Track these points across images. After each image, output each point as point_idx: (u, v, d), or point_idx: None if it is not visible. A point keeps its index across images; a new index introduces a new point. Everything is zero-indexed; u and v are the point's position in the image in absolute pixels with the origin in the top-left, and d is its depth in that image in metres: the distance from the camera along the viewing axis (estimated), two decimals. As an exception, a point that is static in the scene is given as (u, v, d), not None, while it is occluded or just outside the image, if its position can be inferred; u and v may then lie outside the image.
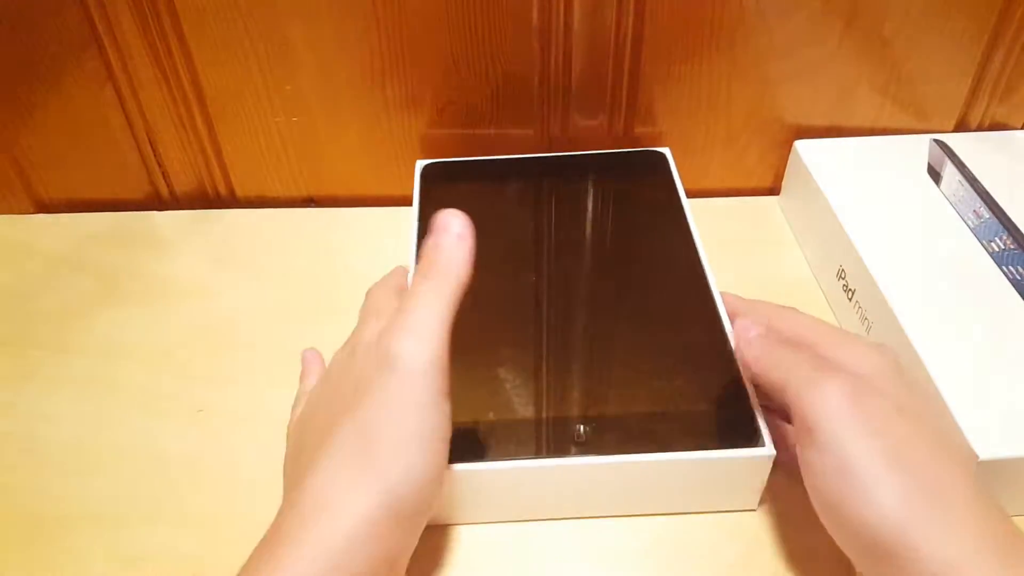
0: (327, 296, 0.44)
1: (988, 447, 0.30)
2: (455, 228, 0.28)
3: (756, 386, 0.32)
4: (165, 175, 0.50)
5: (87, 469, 0.36)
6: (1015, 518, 0.33)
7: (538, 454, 0.31)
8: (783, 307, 0.33)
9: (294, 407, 0.34)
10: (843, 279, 0.41)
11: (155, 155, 0.49)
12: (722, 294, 0.37)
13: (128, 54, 0.44)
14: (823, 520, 0.27)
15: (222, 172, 0.50)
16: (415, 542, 0.28)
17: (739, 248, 0.47)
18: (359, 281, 0.37)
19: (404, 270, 0.38)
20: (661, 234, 0.41)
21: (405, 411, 0.26)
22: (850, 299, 0.40)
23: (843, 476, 0.25)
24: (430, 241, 0.29)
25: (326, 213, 0.50)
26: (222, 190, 0.51)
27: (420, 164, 0.44)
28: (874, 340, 0.30)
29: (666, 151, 0.45)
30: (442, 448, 0.27)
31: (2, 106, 0.47)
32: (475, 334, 0.33)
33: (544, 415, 0.33)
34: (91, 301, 0.44)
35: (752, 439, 0.31)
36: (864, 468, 0.24)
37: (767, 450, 0.31)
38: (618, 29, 0.44)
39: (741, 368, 0.33)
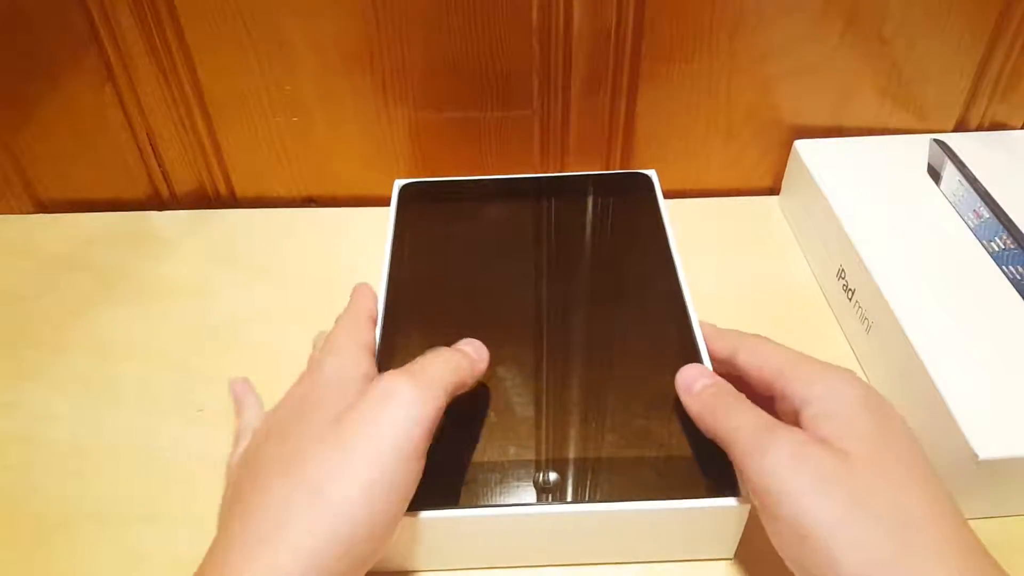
0: (327, 296, 0.44)
1: (988, 447, 0.30)
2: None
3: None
4: (165, 175, 0.50)
5: (87, 469, 0.36)
6: (1015, 518, 0.33)
7: (501, 502, 0.29)
8: (752, 337, 0.32)
9: (236, 443, 0.33)
10: (843, 279, 0.41)
11: (155, 155, 0.49)
12: (700, 324, 0.35)
13: (128, 54, 0.44)
14: None
15: (222, 172, 0.50)
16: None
17: (739, 248, 0.47)
18: (359, 281, 0.37)
19: (369, 298, 0.36)
20: (643, 264, 0.39)
21: (318, 414, 0.28)
22: (850, 299, 0.40)
23: (802, 540, 0.24)
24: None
25: (326, 213, 0.50)
26: (222, 190, 0.51)
27: (398, 185, 0.43)
28: (841, 368, 0.28)
29: (651, 174, 0.43)
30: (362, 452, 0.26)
31: (2, 106, 0.47)
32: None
33: (510, 458, 0.31)
34: (91, 301, 0.44)
35: (726, 488, 0.29)
36: (820, 528, 0.24)
37: (741, 501, 0.29)
38: (618, 29, 0.44)
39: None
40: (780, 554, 0.26)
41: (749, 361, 0.31)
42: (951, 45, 0.45)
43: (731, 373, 0.32)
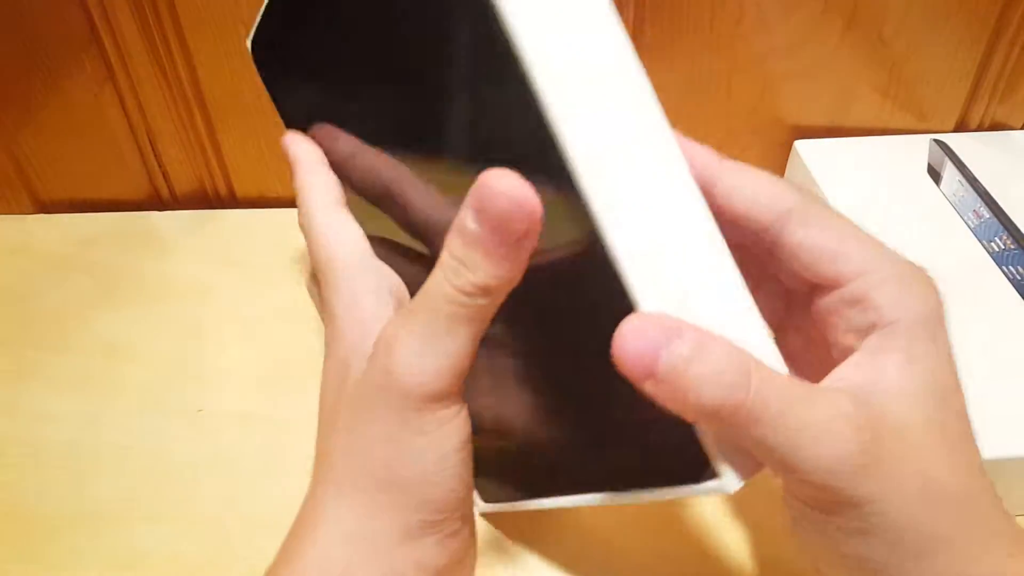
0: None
1: (988, 447, 0.30)
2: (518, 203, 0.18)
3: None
4: (165, 175, 0.50)
5: (87, 469, 0.36)
6: (1016, 518, 0.33)
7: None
8: (790, 191, 0.23)
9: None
10: (843, 279, 0.41)
11: (155, 155, 0.49)
12: (687, 152, 0.22)
13: (128, 54, 0.44)
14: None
15: (222, 172, 0.50)
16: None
17: (739, 248, 0.46)
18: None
19: (323, 172, 0.29)
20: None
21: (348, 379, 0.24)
22: (850, 299, 0.40)
23: (863, 535, 0.21)
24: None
25: (326, 213, 0.50)
26: (222, 190, 0.51)
27: None
28: (934, 290, 0.23)
29: None
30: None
31: (2, 106, 0.47)
32: None
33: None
34: (91, 301, 0.44)
35: (701, 471, 0.21)
36: (885, 519, 0.20)
37: (729, 482, 0.21)
38: (618, 29, 0.44)
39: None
40: (810, 544, 0.23)
41: (815, 237, 0.23)
42: (951, 45, 0.45)
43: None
